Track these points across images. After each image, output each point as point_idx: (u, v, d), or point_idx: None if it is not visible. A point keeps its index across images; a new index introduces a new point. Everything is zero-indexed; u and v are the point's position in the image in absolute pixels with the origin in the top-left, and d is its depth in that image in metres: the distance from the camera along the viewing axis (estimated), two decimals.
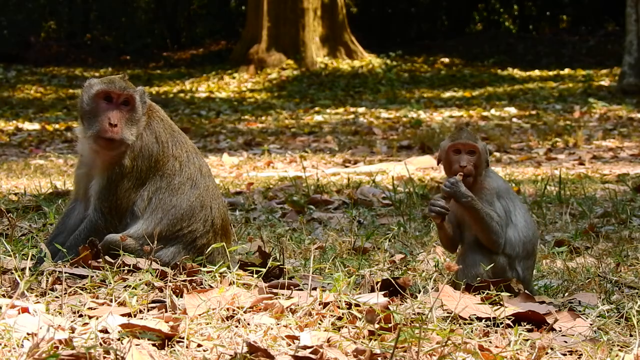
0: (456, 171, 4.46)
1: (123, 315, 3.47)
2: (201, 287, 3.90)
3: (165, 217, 4.44)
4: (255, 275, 4.08)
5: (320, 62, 27.25)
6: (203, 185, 4.53)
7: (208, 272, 4.14)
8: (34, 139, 16.12)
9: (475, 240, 4.46)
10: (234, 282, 3.96)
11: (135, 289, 3.85)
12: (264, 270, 4.17)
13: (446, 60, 28.87)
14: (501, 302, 3.80)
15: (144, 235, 4.38)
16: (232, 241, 4.87)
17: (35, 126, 18.19)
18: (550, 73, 26.53)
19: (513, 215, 4.46)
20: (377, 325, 3.44)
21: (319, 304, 3.65)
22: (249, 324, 3.49)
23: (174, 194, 4.49)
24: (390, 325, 3.47)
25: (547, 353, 3.39)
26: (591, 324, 3.78)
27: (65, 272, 3.99)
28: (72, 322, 3.39)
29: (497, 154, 13.11)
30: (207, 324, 3.47)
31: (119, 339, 3.22)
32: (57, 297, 3.72)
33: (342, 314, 3.59)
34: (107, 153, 4.48)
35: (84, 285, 3.91)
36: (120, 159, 4.46)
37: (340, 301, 3.65)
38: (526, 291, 4.33)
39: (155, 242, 4.26)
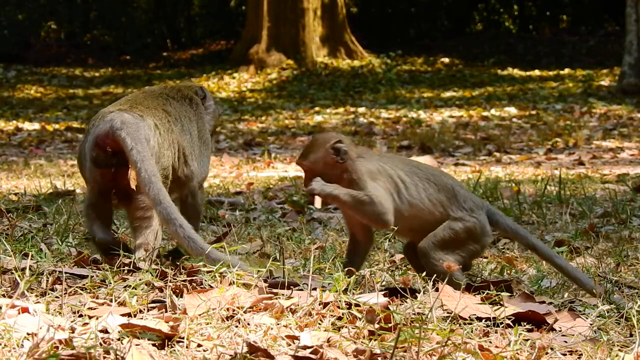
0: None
1: (123, 315, 3.47)
2: (201, 287, 3.90)
3: None
4: (255, 275, 4.07)
5: (320, 62, 27.23)
6: None
7: (208, 272, 4.14)
8: (34, 139, 16.11)
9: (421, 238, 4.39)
10: (234, 282, 3.96)
11: (135, 289, 3.85)
12: (264, 270, 4.17)
13: (446, 60, 28.86)
14: (501, 302, 3.80)
15: None
16: (232, 241, 4.87)
17: (35, 126, 18.17)
18: (550, 73, 26.51)
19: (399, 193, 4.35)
20: (377, 325, 3.44)
21: (319, 304, 3.64)
22: (249, 324, 3.49)
23: None
24: (390, 325, 3.47)
25: (547, 353, 3.39)
26: (591, 324, 3.78)
27: (65, 272, 3.99)
28: (72, 322, 3.39)
29: (497, 154, 13.11)
30: (207, 324, 3.46)
31: (119, 339, 3.22)
32: (57, 297, 3.71)
33: (342, 314, 3.59)
34: None
35: (84, 285, 3.91)
36: None
37: (340, 301, 3.65)
38: (525, 290, 4.33)
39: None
